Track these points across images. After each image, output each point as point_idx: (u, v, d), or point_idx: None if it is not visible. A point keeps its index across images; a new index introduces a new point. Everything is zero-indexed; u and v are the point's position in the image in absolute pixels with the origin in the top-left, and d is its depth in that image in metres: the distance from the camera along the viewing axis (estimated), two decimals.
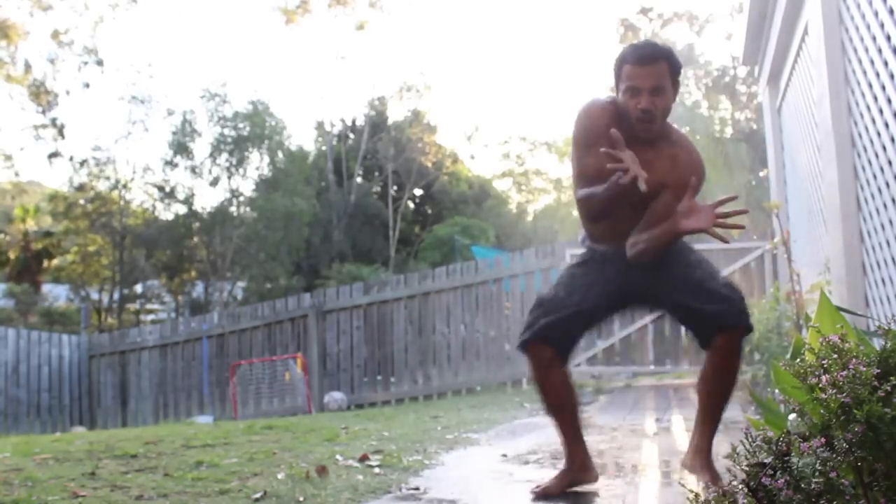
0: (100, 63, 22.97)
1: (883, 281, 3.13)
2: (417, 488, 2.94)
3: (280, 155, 23.16)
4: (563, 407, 2.69)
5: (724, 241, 2.43)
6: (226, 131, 22.39)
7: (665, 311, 2.80)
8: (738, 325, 2.52)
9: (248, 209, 23.04)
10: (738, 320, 2.51)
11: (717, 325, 2.51)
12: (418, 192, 28.44)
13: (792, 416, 1.50)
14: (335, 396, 8.96)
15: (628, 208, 2.50)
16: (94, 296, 22.84)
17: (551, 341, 2.61)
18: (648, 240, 2.48)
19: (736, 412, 4.79)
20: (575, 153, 2.56)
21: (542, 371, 2.64)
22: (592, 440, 4.08)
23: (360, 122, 27.81)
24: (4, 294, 22.23)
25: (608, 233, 2.63)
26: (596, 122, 2.49)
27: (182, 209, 22.94)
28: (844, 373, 1.37)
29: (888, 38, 2.86)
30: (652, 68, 2.43)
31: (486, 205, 28.34)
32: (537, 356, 2.63)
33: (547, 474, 3.12)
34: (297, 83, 42.31)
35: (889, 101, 2.89)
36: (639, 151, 2.41)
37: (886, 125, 2.94)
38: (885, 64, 2.92)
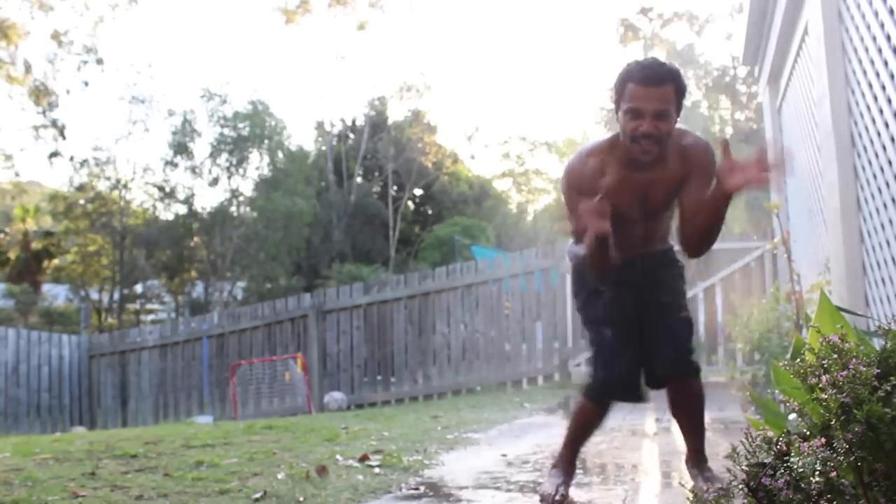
0: (99, 62, 22.98)
1: (883, 281, 3.13)
2: (417, 488, 2.94)
3: (280, 155, 23.16)
4: (589, 436, 2.74)
5: (770, 179, 2.25)
6: (226, 131, 22.40)
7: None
8: (687, 374, 2.56)
9: (248, 209, 23.04)
10: (686, 369, 2.55)
11: (666, 373, 2.55)
12: (418, 192, 28.44)
13: (792, 416, 1.50)
14: (335, 396, 8.95)
15: (639, 224, 2.47)
16: (94, 296, 22.84)
17: (619, 397, 2.60)
18: (705, 216, 2.32)
19: (736, 412, 4.80)
20: (569, 210, 2.46)
21: (600, 415, 2.65)
22: (592, 440, 4.08)
23: (360, 122, 27.82)
24: (4, 294, 22.23)
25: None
26: (579, 187, 2.39)
27: (182, 209, 22.94)
28: (844, 373, 1.36)
29: (888, 38, 2.86)
30: (658, 91, 2.29)
31: (486, 205, 28.35)
32: (606, 405, 2.63)
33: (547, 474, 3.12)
34: (297, 83, 42.36)
35: (889, 101, 2.89)
36: (645, 168, 2.37)
37: (886, 125, 2.94)
38: (885, 64, 2.92)
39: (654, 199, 2.44)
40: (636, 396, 2.59)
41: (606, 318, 2.56)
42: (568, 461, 2.71)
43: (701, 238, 2.38)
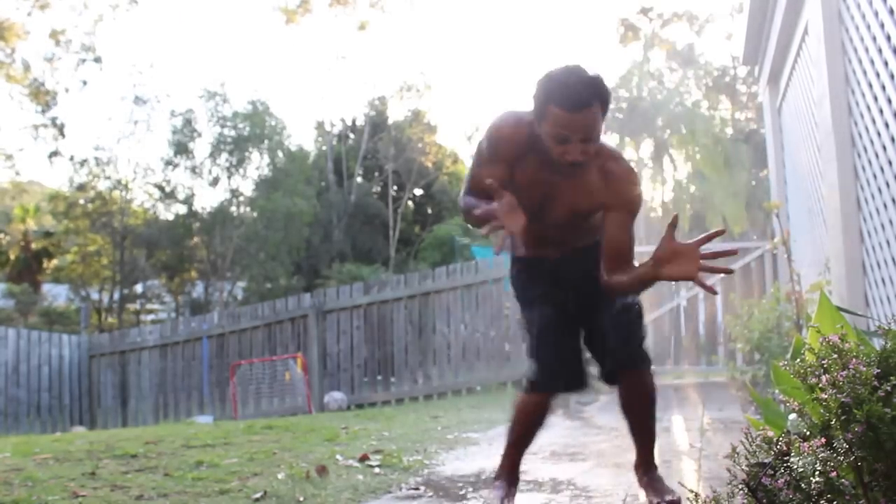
0: (97, 60, 22.93)
1: (883, 281, 3.13)
2: (417, 488, 2.94)
3: (280, 155, 23.15)
4: (533, 436, 2.56)
5: (713, 292, 2.04)
6: (226, 131, 22.39)
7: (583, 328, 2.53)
8: (637, 365, 2.44)
9: (248, 209, 23.03)
10: (635, 359, 2.43)
11: (622, 364, 2.42)
12: (418, 192, 28.44)
13: (792, 416, 1.50)
14: (335, 396, 8.95)
15: (552, 228, 2.35)
16: (94, 296, 22.83)
17: (560, 389, 2.47)
18: (628, 285, 2.22)
19: (736, 412, 4.80)
20: (475, 159, 2.37)
21: (544, 411, 2.48)
22: (592, 440, 4.08)
23: (360, 122, 27.82)
24: (4, 294, 22.21)
25: (536, 246, 2.45)
26: (504, 142, 2.22)
27: (182, 209, 22.93)
28: (844, 373, 1.37)
29: (888, 38, 2.86)
30: (584, 114, 2.02)
31: None
32: (550, 399, 2.47)
33: (547, 473, 3.12)
34: (297, 83, 42.29)
35: (889, 101, 2.89)
36: (567, 170, 2.18)
37: (886, 125, 2.94)
38: (885, 64, 2.92)
39: (557, 201, 2.26)
40: (582, 383, 2.46)
41: (542, 310, 2.43)
42: (511, 470, 2.55)
43: (617, 291, 2.26)
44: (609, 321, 2.40)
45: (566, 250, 2.45)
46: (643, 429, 2.52)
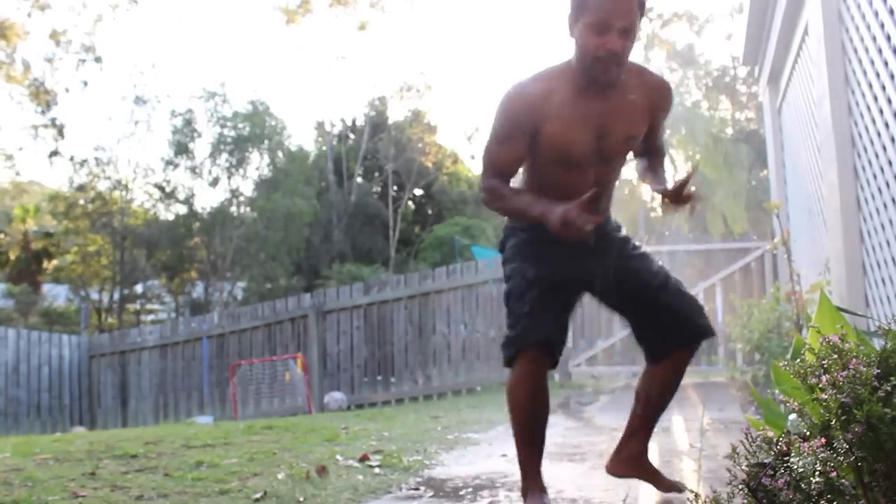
0: (98, 60, 22.97)
1: (883, 281, 3.13)
2: (417, 488, 2.94)
3: (280, 155, 23.16)
4: (540, 424, 2.30)
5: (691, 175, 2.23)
6: (225, 131, 22.39)
7: (617, 303, 2.41)
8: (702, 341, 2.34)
9: (248, 209, 23.04)
10: (711, 334, 2.34)
11: (695, 336, 2.32)
12: (418, 192, 28.45)
13: (792, 416, 1.50)
14: (335, 396, 8.95)
15: (592, 171, 2.22)
16: (94, 296, 22.83)
17: (546, 339, 2.20)
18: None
19: (736, 412, 4.80)
20: (492, 140, 2.24)
21: (536, 385, 2.22)
22: (592, 440, 4.08)
23: (360, 122, 27.85)
24: (4, 294, 22.22)
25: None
26: (517, 114, 2.18)
27: (182, 209, 22.95)
28: (844, 373, 1.36)
29: (888, 38, 2.86)
30: (627, 2, 2.07)
31: None
32: (533, 363, 2.20)
33: (546, 473, 3.12)
34: (297, 83, 42.29)
35: (889, 101, 2.89)
36: (602, 97, 2.16)
37: (886, 125, 2.94)
38: (885, 64, 2.92)
39: (614, 132, 2.20)
40: (560, 347, 2.25)
41: (540, 267, 2.24)
42: (535, 477, 2.28)
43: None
44: (672, 297, 2.31)
45: (600, 219, 2.25)
46: (659, 412, 2.42)
